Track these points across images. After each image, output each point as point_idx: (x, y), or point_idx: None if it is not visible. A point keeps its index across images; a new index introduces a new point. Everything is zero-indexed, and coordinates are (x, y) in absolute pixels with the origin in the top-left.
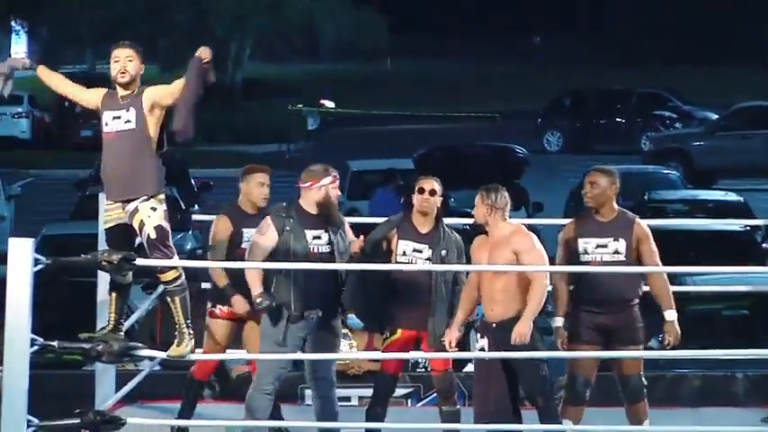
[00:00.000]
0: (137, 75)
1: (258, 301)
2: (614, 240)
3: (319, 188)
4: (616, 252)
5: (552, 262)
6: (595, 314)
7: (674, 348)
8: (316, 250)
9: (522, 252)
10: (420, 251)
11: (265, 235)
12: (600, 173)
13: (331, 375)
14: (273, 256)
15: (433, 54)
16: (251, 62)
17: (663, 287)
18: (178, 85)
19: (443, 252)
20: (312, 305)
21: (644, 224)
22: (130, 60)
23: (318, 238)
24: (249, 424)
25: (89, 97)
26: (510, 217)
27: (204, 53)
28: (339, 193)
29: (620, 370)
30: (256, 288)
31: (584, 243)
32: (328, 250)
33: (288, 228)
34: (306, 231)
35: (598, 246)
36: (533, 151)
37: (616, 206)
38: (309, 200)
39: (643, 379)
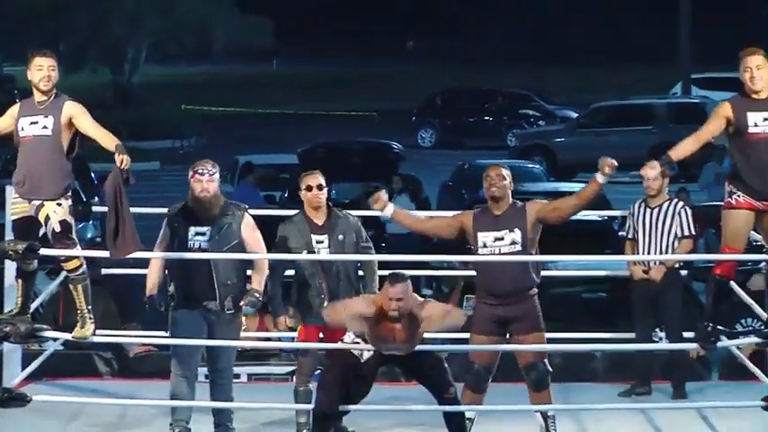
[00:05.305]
0: (57, 82)
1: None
2: (510, 231)
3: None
4: (513, 243)
5: None
6: (493, 306)
7: None
8: (195, 246)
9: None
10: (322, 242)
11: (160, 235)
12: (503, 167)
13: (230, 366)
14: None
15: (315, 56)
16: (146, 64)
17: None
18: (100, 134)
19: (340, 237)
20: (204, 296)
21: (531, 202)
22: (53, 69)
23: (202, 234)
24: (173, 403)
25: (7, 123)
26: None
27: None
28: (205, 187)
29: (524, 358)
30: (148, 290)
31: (482, 237)
32: (208, 246)
33: (176, 224)
34: (190, 228)
35: (496, 239)
36: (408, 147)
37: (511, 198)
38: None
39: (548, 365)
